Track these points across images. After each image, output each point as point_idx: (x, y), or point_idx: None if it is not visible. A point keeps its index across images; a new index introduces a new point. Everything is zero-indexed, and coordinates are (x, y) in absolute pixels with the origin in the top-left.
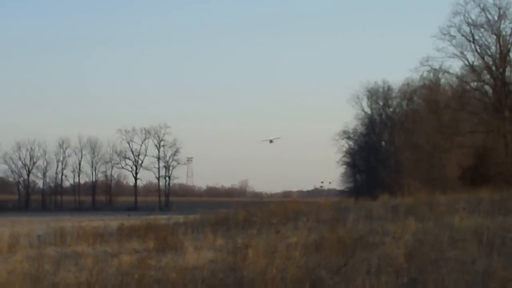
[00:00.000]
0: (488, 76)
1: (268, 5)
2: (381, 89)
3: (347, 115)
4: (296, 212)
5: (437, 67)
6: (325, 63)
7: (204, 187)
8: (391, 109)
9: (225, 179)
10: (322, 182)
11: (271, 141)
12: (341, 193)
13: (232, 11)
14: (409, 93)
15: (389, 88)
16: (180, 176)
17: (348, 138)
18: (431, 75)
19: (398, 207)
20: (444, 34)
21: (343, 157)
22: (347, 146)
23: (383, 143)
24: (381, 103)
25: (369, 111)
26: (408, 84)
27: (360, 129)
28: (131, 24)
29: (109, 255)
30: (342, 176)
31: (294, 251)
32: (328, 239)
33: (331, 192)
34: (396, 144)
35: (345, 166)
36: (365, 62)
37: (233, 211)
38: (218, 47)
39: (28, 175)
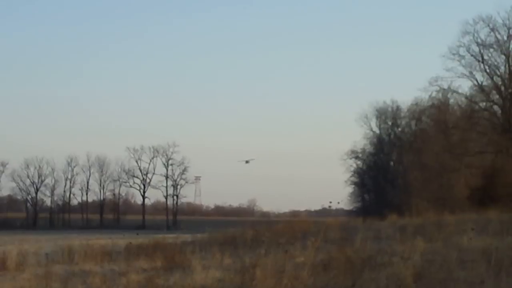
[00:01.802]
0: (497, 96)
1: (277, 21)
2: (389, 109)
3: (356, 134)
4: (304, 231)
5: (446, 87)
6: (334, 82)
7: (212, 206)
8: (399, 129)
9: (233, 198)
10: (330, 202)
11: (247, 162)
12: (349, 213)
13: (240, 26)
14: (418, 112)
15: (398, 108)
16: (188, 195)
17: (357, 157)
18: (440, 95)
19: (407, 227)
20: (453, 54)
21: (351, 176)
22: (355, 165)
23: (392, 163)
24: (389, 123)
25: (377, 131)
26: (417, 103)
27: (369, 148)
28: (141, 41)
29: (117, 274)
30: (350, 195)
31: (302, 271)
32: (336, 259)
33: (339, 212)
34: (405, 164)
35: (353, 186)
36: (374, 81)
37: (241, 230)
38: (225, 66)
39: (36, 193)
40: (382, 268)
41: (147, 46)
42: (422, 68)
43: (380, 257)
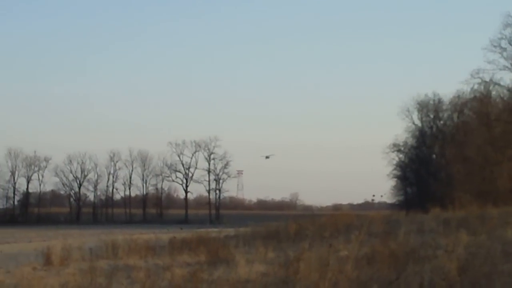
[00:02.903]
0: None
1: (312, 13)
2: (431, 102)
3: (398, 128)
4: (347, 225)
5: (488, 79)
6: (376, 76)
7: (254, 200)
8: (441, 122)
9: (276, 192)
10: (373, 195)
11: (267, 157)
12: (391, 206)
13: (276, 16)
14: (459, 105)
15: (440, 101)
16: (230, 189)
17: (399, 151)
18: (482, 87)
19: (450, 220)
20: (494, 46)
21: (393, 170)
22: (397, 159)
23: (434, 156)
24: (431, 116)
25: (419, 124)
26: (458, 96)
27: (411, 142)
28: (178, 34)
29: (161, 268)
30: (393, 189)
31: (346, 265)
32: (379, 253)
33: (381, 205)
34: (447, 157)
35: (395, 179)
36: (415, 75)
37: (284, 224)
38: (266, 59)
39: (79, 188)
40: (426, 261)
41: (185, 39)
42: (464, 61)
43: (423, 250)
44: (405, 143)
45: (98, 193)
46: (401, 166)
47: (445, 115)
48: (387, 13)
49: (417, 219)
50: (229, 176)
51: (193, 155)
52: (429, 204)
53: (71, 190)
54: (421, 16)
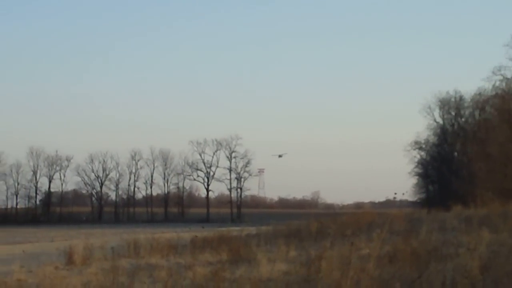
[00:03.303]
0: None
1: (335, 12)
2: (453, 99)
3: (419, 125)
4: (369, 223)
5: (509, 76)
6: (397, 74)
7: (275, 198)
8: (463, 119)
9: (297, 190)
10: (395, 193)
11: (280, 156)
12: (413, 204)
13: (300, 15)
14: (481, 102)
15: (461, 98)
16: (251, 188)
17: (420, 148)
18: (504, 84)
19: (472, 218)
20: None
21: (415, 167)
22: (419, 156)
23: (456, 153)
24: (453, 113)
25: (441, 121)
26: (480, 93)
27: (432, 139)
28: (203, 36)
29: (182, 267)
30: (414, 187)
31: (368, 263)
32: (401, 251)
33: (403, 203)
34: (469, 154)
35: (417, 177)
36: (437, 72)
37: (305, 222)
38: (285, 57)
39: (101, 187)
40: (448, 260)
41: (206, 37)
42: (485, 58)
43: (445, 249)
44: (427, 140)
45: (120, 192)
46: (422, 163)
47: (467, 112)
48: (408, 11)
49: (439, 217)
50: (250, 175)
51: (214, 153)
52: (451, 202)
53: (92, 189)
54: (443, 13)
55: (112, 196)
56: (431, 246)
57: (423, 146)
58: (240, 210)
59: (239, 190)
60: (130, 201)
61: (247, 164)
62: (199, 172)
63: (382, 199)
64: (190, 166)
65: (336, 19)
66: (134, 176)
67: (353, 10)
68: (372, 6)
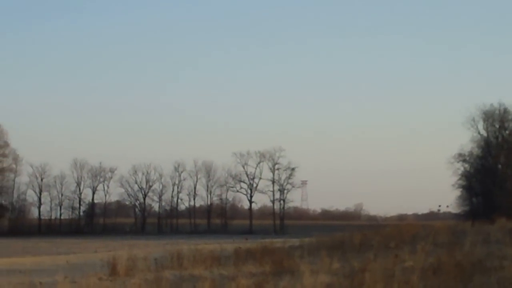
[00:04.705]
0: None
1: (382, 24)
2: (497, 112)
3: (463, 137)
4: (412, 235)
5: None
6: (441, 86)
7: (318, 210)
8: (507, 132)
9: (340, 202)
10: (439, 206)
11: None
12: (456, 216)
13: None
14: None
15: (506, 110)
16: (294, 199)
17: (464, 161)
18: None
19: None
20: None
21: (458, 180)
22: (462, 169)
23: (500, 166)
24: (497, 126)
25: (485, 134)
26: None
27: (476, 152)
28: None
29: (226, 278)
30: (458, 199)
31: (411, 275)
32: (445, 263)
33: (446, 215)
34: None
35: (461, 189)
36: (480, 84)
37: (348, 234)
38: (329, 70)
39: (144, 199)
40: (492, 272)
41: (254, 51)
42: None
43: (490, 261)
44: (471, 153)
45: (163, 203)
46: (466, 176)
47: (511, 124)
48: (451, 22)
49: (483, 229)
50: (293, 186)
51: (257, 165)
52: (495, 215)
53: (136, 201)
54: (486, 26)
55: (155, 207)
56: (475, 259)
57: (467, 158)
58: (283, 221)
59: (282, 201)
60: (173, 212)
61: (290, 175)
62: (242, 183)
63: (425, 211)
64: (233, 178)
65: (379, 32)
66: (177, 187)
67: (394, 20)
68: (412, 17)
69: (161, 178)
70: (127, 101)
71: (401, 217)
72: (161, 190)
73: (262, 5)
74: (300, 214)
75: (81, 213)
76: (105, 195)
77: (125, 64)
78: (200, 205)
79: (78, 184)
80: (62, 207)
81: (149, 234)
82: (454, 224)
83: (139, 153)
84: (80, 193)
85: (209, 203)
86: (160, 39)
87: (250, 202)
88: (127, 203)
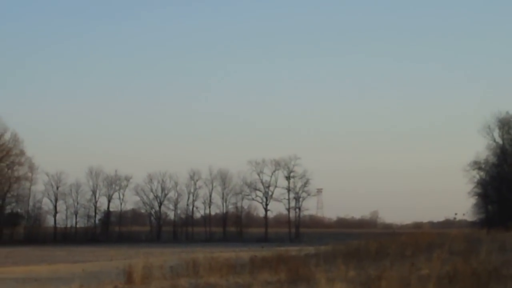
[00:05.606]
0: None
1: (401, 32)
2: None
3: (478, 145)
4: (428, 243)
5: None
6: (456, 93)
7: (334, 218)
8: None
9: (355, 210)
10: (455, 214)
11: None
12: (472, 224)
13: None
14: None
15: None
16: (310, 207)
17: (480, 168)
18: None
19: None
20: None
21: (474, 187)
22: (478, 176)
23: None
24: None
25: (500, 142)
26: None
27: (492, 159)
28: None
29: (241, 286)
30: (474, 207)
31: (427, 283)
32: (461, 271)
33: (461, 223)
34: None
35: (476, 197)
36: (497, 91)
37: (364, 242)
38: (344, 80)
39: (160, 207)
40: (508, 280)
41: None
42: None
43: (506, 269)
44: (486, 160)
45: (179, 211)
46: (482, 184)
47: None
48: (466, 30)
49: (498, 237)
50: (308, 195)
51: (272, 173)
52: (511, 222)
53: (151, 209)
54: (502, 33)
55: (171, 215)
56: (491, 267)
57: (483, 166)
58: (299, 229)
59: (297, 210)
60: (188, 220)
61: (306, 184)
62: (257, 192)
63: (441, 219)
64: (249, 186)
65: (396, 38)
66: (193, 195)
67: (411, 29)
68: (429, 27)
69: (176, 186)
70: (142, 108)
71: (417, 225)
72: (177, 198)
73: (275, 16)
74: (316, 222)
75: (97, 222)
76: (121, 203)
77: (138, 73)
78: (216, 213)
79: (94, 193)
80: (78, 215)
81: (165, 242)
82: (470, 232)
83: (155, 161)
84: (96, 202)
85: (224, 211)
86: (181, 49)
87: (266, 210)
88: (142, 211)
